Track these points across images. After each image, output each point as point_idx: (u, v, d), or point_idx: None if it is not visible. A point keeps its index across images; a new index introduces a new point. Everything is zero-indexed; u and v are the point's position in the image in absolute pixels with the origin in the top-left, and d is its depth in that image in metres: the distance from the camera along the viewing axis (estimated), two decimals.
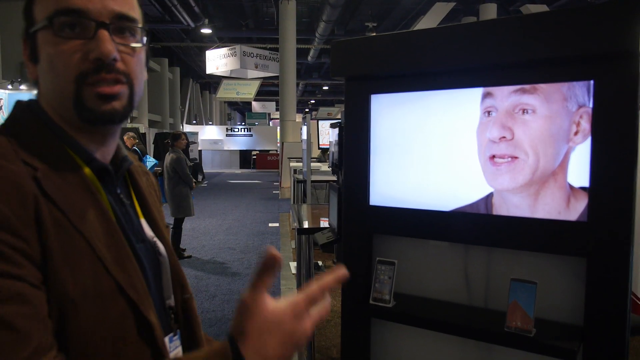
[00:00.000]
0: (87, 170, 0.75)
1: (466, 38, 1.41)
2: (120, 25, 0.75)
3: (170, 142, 6.37)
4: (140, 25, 0.79)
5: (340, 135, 1.94)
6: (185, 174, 6.16)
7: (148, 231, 0.85)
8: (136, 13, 0.79)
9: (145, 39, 0.80)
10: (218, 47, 17.99)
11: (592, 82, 1.25)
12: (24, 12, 0.76)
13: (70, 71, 0.72)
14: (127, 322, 0.71)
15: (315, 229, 2.94)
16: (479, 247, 1.49)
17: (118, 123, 0.78)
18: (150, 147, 14.40)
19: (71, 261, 0.66)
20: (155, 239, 0.85)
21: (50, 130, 0.75)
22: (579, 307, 1.31)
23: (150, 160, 8.52)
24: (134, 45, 0.77)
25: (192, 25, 16.76)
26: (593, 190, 1.26)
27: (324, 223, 3.32)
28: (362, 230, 1.66)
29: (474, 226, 1.44)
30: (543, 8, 12.94)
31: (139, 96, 0.80)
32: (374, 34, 17.00)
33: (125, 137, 8.04)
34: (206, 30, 17.51)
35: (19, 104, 0.78)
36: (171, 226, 6.42)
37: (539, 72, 1.33)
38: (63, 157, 0.73)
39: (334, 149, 2.55)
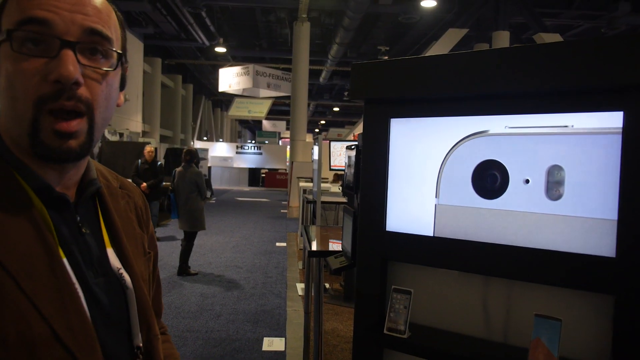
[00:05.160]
0: (36, 200, 0.68)
1: (491, 65, 1.38)
2: (91, 42, 0.68)
3: (190, 158, 6.53)
4: (114, 45, 0.71)
5: (357, 158, 1.90)
6: (204, 188, 6.41)
7: (114, 262, 0.78)
8: (112, 33, 0.71)
9: (120, 62, 0.73)
10: (232, 65, 18.23)
11: (622, 112, 1.22)
12: None
13: (29, 94, 0.64)
14: None
15: (326, 252, 2.89)
16: (499, 279, 1.44)
17: (73, 161, 0.71)
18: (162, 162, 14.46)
19: None
20: (122, 270, 0.78)
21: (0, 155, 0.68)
22: (606, 347, 1.25)
23: None
24: (105, 69, 0.69)
25: (207, 43, 17.04)
26: (622, 225, 1.21)
27: (333, 245, 3.27)
28: (377, 257, 1.62)
29: (494, 257, 1.40)
30: (556, 37, 12.98)
31: (102, 127, 0.72)
32: (386, 57, 17.15)
33: (146, 150, 8.17)
34: (220, 49, 17.77)
35: None
36: (181, 240, 6.57)
37: (566, 101, 1.30)
38: (9, 185, 0.67)
39: (348, 170, 2.52)
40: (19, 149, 0.69)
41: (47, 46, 0.65)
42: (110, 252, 0.78)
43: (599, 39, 1.24)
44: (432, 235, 1.51)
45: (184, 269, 6.45)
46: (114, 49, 0.71)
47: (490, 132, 1.43)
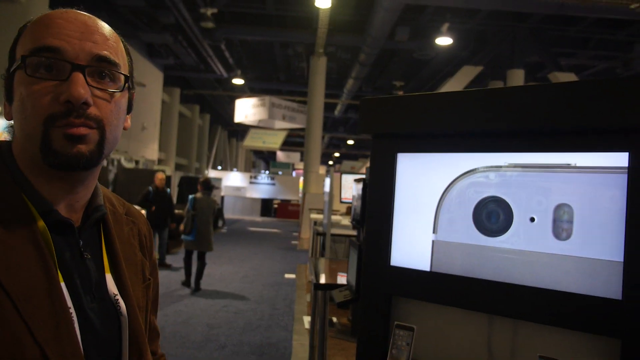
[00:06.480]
0: (40, 223, 0.71)
1: (498, 102, 1.40)
2: (100, 68, 0.73)
3: (212, 186, 7.32)
4: (121, 70, 0.76)
5: (363, 191, 1.91)
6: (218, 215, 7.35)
7: (112, 288, 0.79)
8: (119, 58, 0.76)
9: (127, 85, 0.78)
10: (248, 97, 18.54)
11: (627, 153, 1.21)
12: (9, 52, 0.74)
13: (39, 112, 0.69)
14: None
15: (332, 285, 2.87)
16: (503, 319, 1.41)
17: (83, 168, 0.73)
18: (175, 190, 14.60)
19: None
20: (118, 297, 0.79)
21: (11, 178, 0.71)
22: None
23: None
24: (112, 90, 0.74)
25: (225, 75, 17.41)
26: (628, 266, 1.19)
27: (341, 279, 3.25)
28: (380, 291, 1.60)
29: (499, 296, 1.38)
30: (571, 76, 13.04)
31: (112, 143, 0.76)
32: (401, 92, 17.34)
33: (158, 177, 8.38)
34: (238, 81, 18.11)
35: None
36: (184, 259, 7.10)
37: (571, 141, 1.30)
38: (16, 207, 0.69)
39: (356, 203, 2.52)
40: (33, 171, 0.73)
41: (58, 71, 0.70)
42: (109, 277, 0.80)
43: (604, 81, 1.25)
44: (430, 270, 1.50)
45: (198, 286, 7.17)
46: (121, 72, 0.76)
47: (493, 168, 1.43)
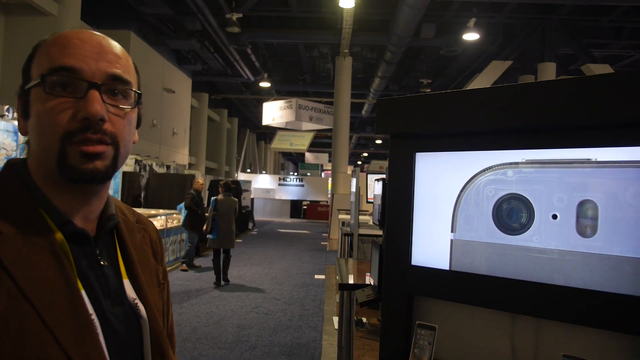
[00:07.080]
0: (58, 234, 0.74)
1: (515, 99, 1.38)
2: (113, 86, 0.76)
3: (230, 188, 7.76)
4: (133, 88, 0.79)
5: (383, 191, 1.91)
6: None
7: (130, 293, 0.82)
8: (131, 76, 0.79)
9: (137, 102, 0.81)
10: (275, 99, 18.67)
11: None
12: (23, 70, 0.77)
13: (57, 129, 0.71)
14: None
15: (357, 285, 2.87)
16: (526, 317, 1.39)
17: (99, 183, 0.77)
18: (206, 193, 14.85)
19: (12, 331, 0.64)
20: (137, 301, 0.82)
21: (28, 192, 0.74)
22: None
23: None
24: (124, 107, 0.77)
25: (252, 78, 17.57)
26: None
27: (369, 279, 3.24)
28: (402, 291, 1.60)
29: (522, 294, 1.36)
30: (606, 67, 12.63)
31: (124, 157, 0.79)
32: (429, 90, 17.13)
33: (199, 182, 8.84)
34: (265, 84, 18.26)
35: (9, 162, 0.78)
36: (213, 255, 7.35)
37: (592, 136, 1.27)
38: (34, 221, 0.72)
39: (377, 203, 2.52)
40: (48, 184, 0.75)
41: (74, 88, 0.73)
42: (127, 283, 0.83)
43: (624, 73, 1.22)
44: (449, 269, 1.48)
45: (225, 277, 7.71)
46: (133, 89, 0.79)
47: (510, 165, 1.41)
